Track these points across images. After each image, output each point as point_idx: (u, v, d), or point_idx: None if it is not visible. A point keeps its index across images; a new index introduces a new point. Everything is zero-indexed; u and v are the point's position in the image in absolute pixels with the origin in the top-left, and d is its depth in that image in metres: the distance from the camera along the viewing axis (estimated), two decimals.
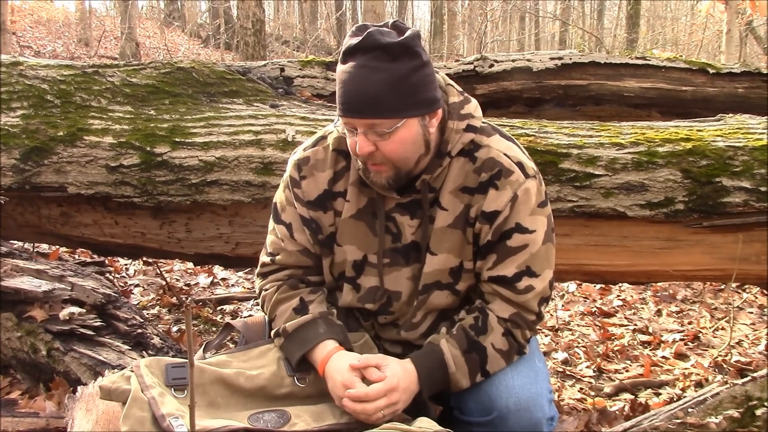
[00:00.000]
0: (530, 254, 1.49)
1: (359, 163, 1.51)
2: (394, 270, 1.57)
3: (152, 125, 2.45)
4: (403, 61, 1.36)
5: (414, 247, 1.55)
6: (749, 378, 1.52)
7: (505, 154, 1.50)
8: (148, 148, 2.37)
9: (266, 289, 1.64)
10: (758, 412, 1.40)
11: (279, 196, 1.66)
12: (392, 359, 1.48)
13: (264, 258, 1.67)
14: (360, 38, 1.36)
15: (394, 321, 1.63)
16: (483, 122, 1.55)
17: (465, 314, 1.54)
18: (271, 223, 1.67)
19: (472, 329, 1.49)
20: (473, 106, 1.54)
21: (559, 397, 2.64)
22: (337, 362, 1.47)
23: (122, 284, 3.85)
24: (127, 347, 2.15)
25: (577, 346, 3.25)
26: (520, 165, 1.50)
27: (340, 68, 1.41)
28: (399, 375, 1.43)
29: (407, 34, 1.38)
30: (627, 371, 2.97)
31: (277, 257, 1.64)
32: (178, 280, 4.13)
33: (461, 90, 1.56)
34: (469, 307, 1.56)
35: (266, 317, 1.66)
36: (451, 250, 1.53)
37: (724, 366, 2.96)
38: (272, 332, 1.60)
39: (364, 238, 1.57)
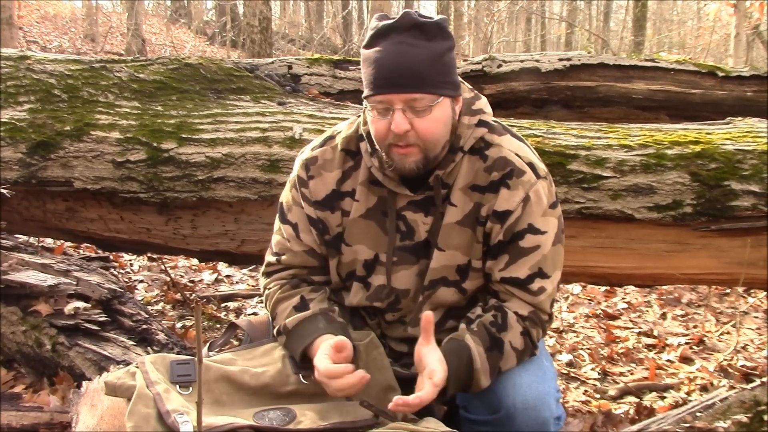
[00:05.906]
0: (542, 255, 1.48)
1: (374, 160, 1.50)
2: (402, 268, 1.56)
3: (159, 121, 2.44)
4: (438, 41, 1.40)
5: (426, 245, 1.54)
6: (758, 383, 1.51)
7: (516, 154, 1.50)
8: (155, 144, 2.36)
9: (269, 288, 1.63)
10: (767, 417, 1.39)
11: (285, 196, 1.65)
12: (434, 358, 1.38)
13: (269, 257, 1.66)
14: (393, 20, 1.38)
15: (402, 318, 1.62)
16: (494, 121, 1.55)
17: (482, 311, 1.51)
18: (277, 223, 1.66)
19: (493, 326, 1.47)
20: (483, 102, 1.56)
21: (563, 399, 2.64)
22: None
23: (127, 280, 3.85)
24: (132, 343, 2.15)
25: (581, 349, 3.24)
26: (532, 165, 1.50)
27: (370, 50, 1.41)
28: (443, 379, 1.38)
29: (437, 17, 1.42)
30: (632, 374, 2.96)
31: (283, 257, 1.63)
32: (182, 276, 4.12)
33: (471, 87, 1.57)
34: (485, 305, 1.53)
35: (269, 316, 1.66)
36: (458, 248, 1.53)
37: (730, 370, 2.95)
38: (274, 331, 1.60)
39: (374, 237, 1.56)
